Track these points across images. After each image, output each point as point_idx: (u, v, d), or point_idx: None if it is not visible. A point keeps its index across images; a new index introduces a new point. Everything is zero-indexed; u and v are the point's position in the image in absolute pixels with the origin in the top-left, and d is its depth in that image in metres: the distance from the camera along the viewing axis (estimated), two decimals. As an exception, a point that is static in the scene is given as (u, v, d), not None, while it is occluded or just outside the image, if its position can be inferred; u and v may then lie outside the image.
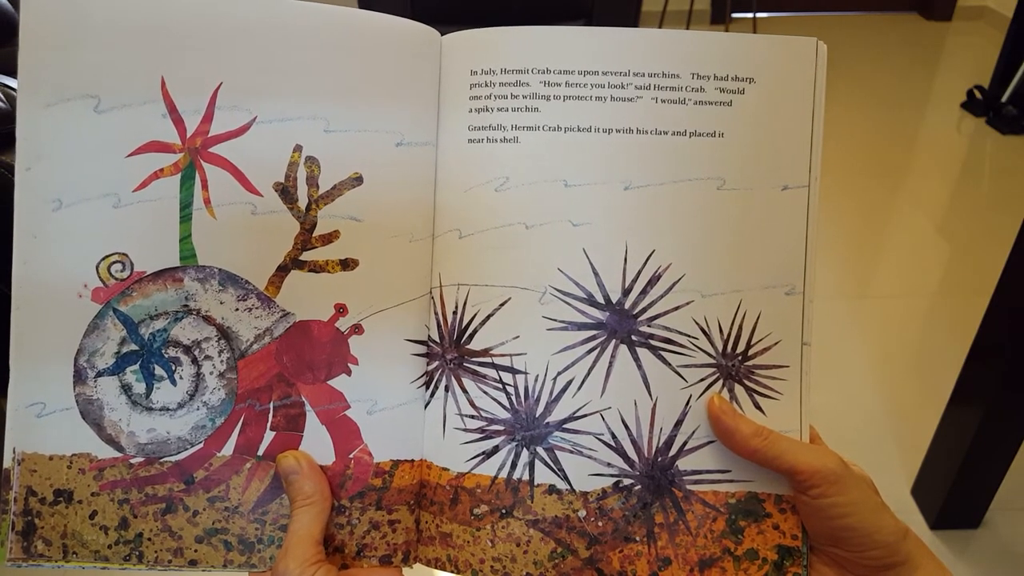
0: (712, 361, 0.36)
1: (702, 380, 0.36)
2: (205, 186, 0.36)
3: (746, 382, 0.36)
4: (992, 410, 1.06)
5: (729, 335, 0.36)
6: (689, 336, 0.36)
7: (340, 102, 0.36)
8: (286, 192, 0.37)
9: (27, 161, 0.35)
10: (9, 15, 2.07)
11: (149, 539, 0.36)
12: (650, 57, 0.36)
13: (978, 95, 2.56)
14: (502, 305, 0.37)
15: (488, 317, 0.37)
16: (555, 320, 0.37)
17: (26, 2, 0.35)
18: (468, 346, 0.37)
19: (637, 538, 0.37)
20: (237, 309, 0.37)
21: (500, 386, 0.37)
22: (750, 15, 3.04)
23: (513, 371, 0.37)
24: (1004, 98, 2.47)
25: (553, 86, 0.36)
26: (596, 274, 0.36)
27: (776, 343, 0.36)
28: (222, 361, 0.37)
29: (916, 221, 2.00)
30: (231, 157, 0.36)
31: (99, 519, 0.36)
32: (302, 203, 0.37)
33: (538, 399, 0.37)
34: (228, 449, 0.37)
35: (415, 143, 0.37)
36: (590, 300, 0.36)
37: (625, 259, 0.36)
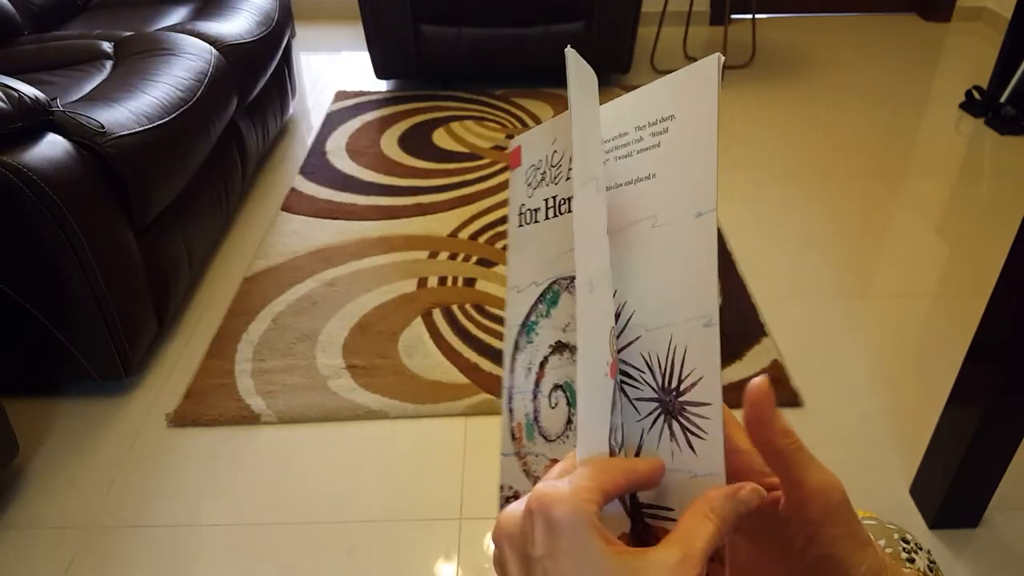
0: (655, 395, 0.35)
1: (649, 415, 0.35)
2: None
3: (680, 419, 0.34)
4: (991, 409, 1.06)
5: (665, 370, 0.34)
6: (638, 369, 0.35)
7: None
8: None
9: None
10: (9, 15, 2.07)
11: None
12: (610, 124, 0.37)
13: (977, 95, 2.56)
14: None
15: None
16: None
17: None
18: None
19: None
20: None
21: None
22: (749, 16, 3.04)
23: None
24: (1003, 98, 2.48)
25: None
26: None
27: (700, 379, 0.33)
28: None
29: (915, 221, 2.01)
30: None
31: None
32: None
33: None
34: None
35: None
36: None
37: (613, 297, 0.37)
